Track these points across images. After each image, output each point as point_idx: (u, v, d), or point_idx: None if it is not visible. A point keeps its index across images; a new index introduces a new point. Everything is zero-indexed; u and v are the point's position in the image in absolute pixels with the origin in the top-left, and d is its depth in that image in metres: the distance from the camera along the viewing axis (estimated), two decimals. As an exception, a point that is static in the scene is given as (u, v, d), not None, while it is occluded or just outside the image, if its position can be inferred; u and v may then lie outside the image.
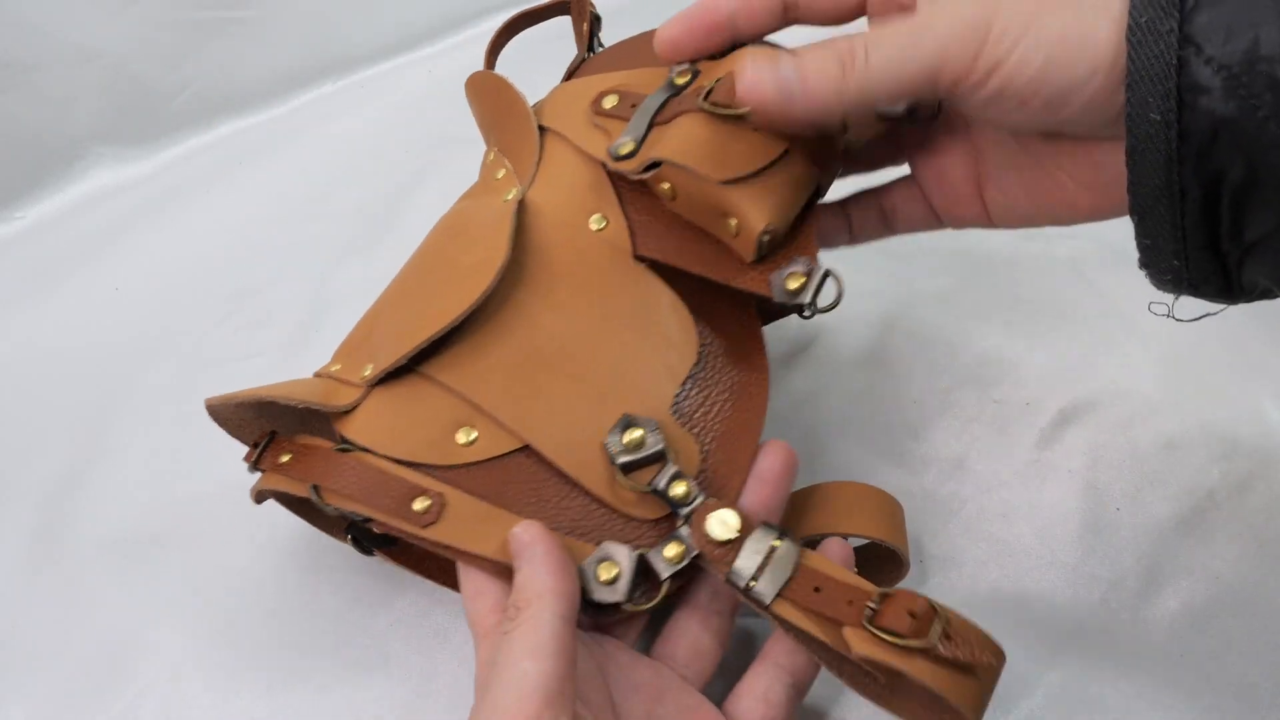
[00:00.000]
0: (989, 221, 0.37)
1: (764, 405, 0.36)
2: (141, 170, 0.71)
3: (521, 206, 0.37)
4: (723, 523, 0.31)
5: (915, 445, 0.48)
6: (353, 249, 0.64)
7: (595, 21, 0.45)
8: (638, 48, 0.42)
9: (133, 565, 0.45)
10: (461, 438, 0.34)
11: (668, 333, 0.36)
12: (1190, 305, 0.32)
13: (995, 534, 0.45)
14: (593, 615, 0.34)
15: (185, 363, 0.56)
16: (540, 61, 0.50)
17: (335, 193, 0.69)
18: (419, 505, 0.32)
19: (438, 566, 0.41)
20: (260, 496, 0.37)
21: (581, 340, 0.35)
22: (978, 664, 0.29)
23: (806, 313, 0.34)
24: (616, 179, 0.38)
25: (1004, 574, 0.43)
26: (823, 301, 0.34)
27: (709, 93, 0.34)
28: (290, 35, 0.77)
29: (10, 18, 0.64)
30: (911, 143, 0.39)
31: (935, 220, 0.39)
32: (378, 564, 0.44)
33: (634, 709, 0.32)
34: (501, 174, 0.40)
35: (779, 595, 0.31)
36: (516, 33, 0.48)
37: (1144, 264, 0.30)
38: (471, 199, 0.42)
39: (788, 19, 0.36)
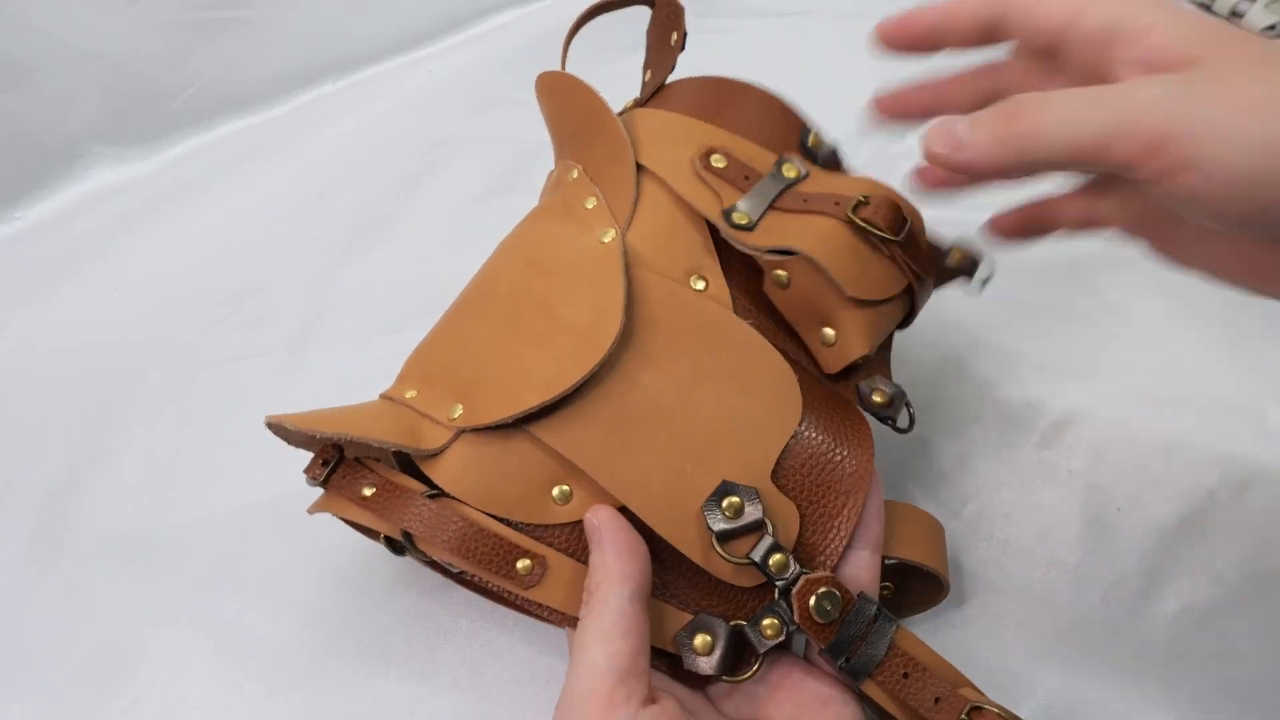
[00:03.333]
0: (1186, 270, 0.35)
1: (869, 464, 0.34)
2: (141, 170, 0.71)
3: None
4: (828, 603, 0.31)
5: (915, 446, 0.48)
6: (353, 249, 0.64)
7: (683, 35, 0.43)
8: (730, 99, 0.41)
9: (133, 565, 0.45)
10: (556, 495, 0.33)
11: (770, 392, 0.35)
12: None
13: (996, 534, 0.45)
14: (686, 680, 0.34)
15: (185, 362, 0.56)
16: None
17: (335, 193, 0.69)
18: (522, 566, 0.32)
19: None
20: (346, 520, 0.36)
21: (680, 399, 0.34)
22: None
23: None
24: (720, 239, 0.37)
25: (1005, 574, 0.43)
26: (900, 424, 0.37)
27: (857, 206, 0.36)
28: (290, 35, 0.77)
29: (10, 18, 0.64)
30: (1104, 186, 0.37)
31: (1137, 241, 0.36)
32: (378, 566, 0.44)
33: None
34: (592, 204, 0.38)
35: (870, 676, 0.31)
36: (595, 17, 0.46)
37: None
38: (554, 224, 0.39)
39: (992, 39, 0.34)
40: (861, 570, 0.33)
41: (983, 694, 0.31)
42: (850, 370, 0.37)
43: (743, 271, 0.38)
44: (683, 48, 0.43)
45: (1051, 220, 0.38)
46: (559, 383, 0.33)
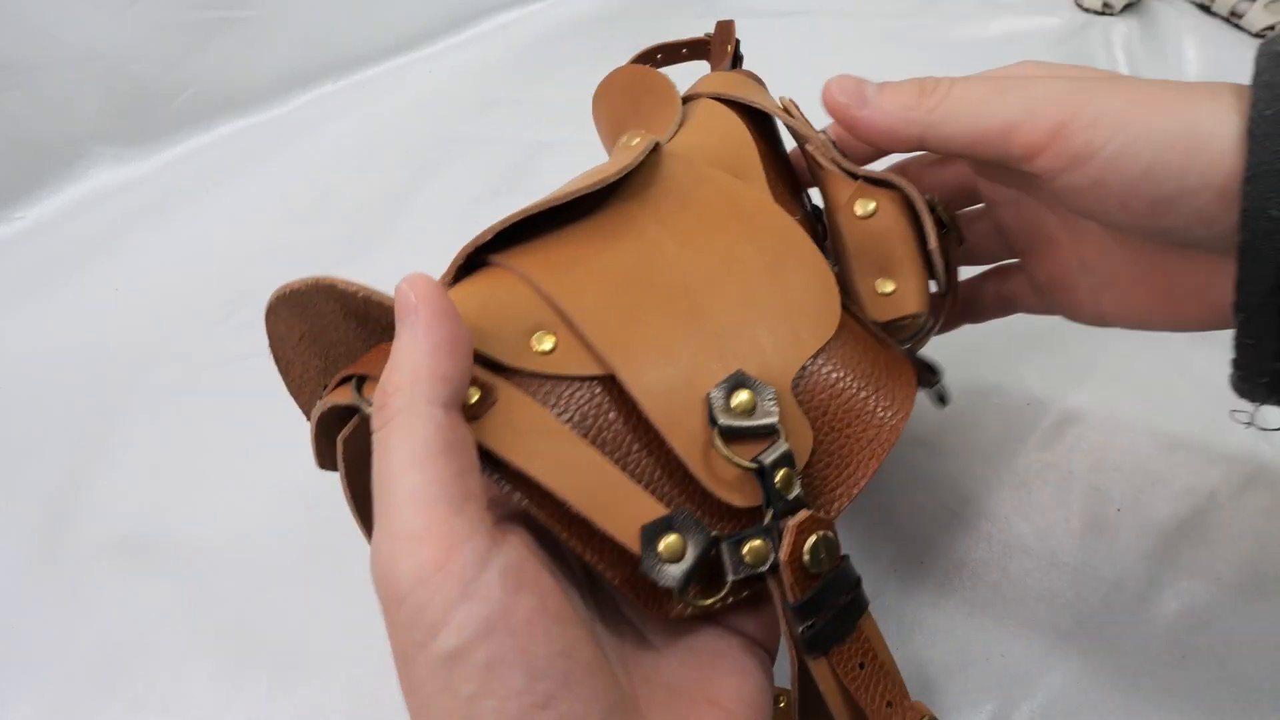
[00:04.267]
0: (1102, 323, 0.37)
1: (904, 417, 0.30)
2: (141, 170, 0.71)
3: (657, 147, 0.33)
4: (823, 550, 0.26)
5: (916, 448, 0.48)
6: (353, 249, 0.64)
7: (737, 61, 0.42)
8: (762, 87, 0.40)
9: (133, 565, 0.45)
10: (536, 345, 0.28)
11: (807, 295, 0.31)
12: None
13: (996, 535, 0.45)
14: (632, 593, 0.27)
15: (185, 363, 0.56)
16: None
17: (335, 193, 0.69)
18: (473, 394, 0.26)
19: None
20: (324, 429, 0.29)
21: (703, 279, 0.30)
22: None
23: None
24: (767, 158, 0.35)
25: (1005, 575, 0.43)
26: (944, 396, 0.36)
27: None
28: (290, 35, 0.77)
29: (10, 18, 0.64)
30: (1022, 246, 0.38)
31: (1051, 310, 0.39)
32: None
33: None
34: (636, 141, 0.34)
35: (825, 654, 0.26)
36: (649, 64, 0.44)
37: (1238, 364, 0.29)
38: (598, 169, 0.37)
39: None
40: None
41: (935, 715, 0.29)
42: (889, 326, 0.34)
43: (793, 198, 0.35)
44: (738, 56, 0.42)
45: (973, 308, 0.41)
46: (552, 200, 0.29)
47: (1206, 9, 0.83)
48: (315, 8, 0.78)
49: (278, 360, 0.31)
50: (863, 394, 0.30)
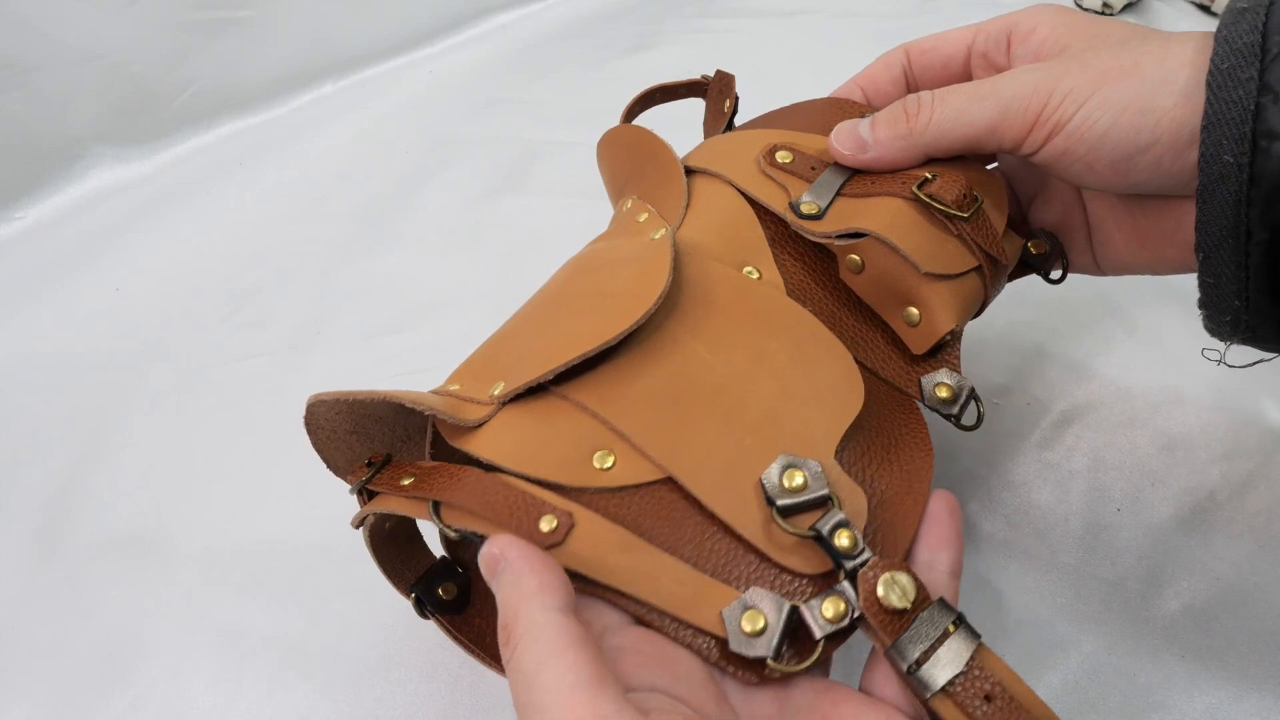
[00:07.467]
0: (1097, 270, 0.40)
1: (930, 459, 0.33)
2: (141, 170, 0.71)
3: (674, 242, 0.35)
4: (898, 588, 0.28)
5: (916, 445, 0.49)
6: (353, 249, 0.64)
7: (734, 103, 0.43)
8: (797, 107, 0.42)
9: (133, 565, 0.45)
10: (598, 462, 0.31)
11: (831, 375, 0.34)
12: (1242, 353, 0.33)
13: (996, 535, 0.45)
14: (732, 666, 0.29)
15: (185, 363, 0.56)
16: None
17: (335, 193, 0.69)
18: (545, 525, 0.29)
19: (495, 646, 0.39)
20: (372, 523, 0.34)
21: (737, 378, 0.32)
22: None
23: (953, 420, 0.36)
24: (772, 232, 0.37)
25: (1005, 575, 0.43)
26: (966, 420, 0.35)
27: (923, 183, 0.35)
28: (290, 35, 0.77)
29: (10, 18, 0.64)
30: (1027, 195, 0.41)
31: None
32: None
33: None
34: (644, 217, 0.38)
35: (943, 689, 0.27)
36: (652, 105, 0.46)
37: (1204, 304, 0.32)
38: (606, 240, 0.39)
39: (909, 90, 0.40)
40: (938, 589, 0.30)
41: None
42: (936, 350, 0.36)
43: (804, 266, 0.37)
44: (735, 111, 0.43)
45: None
46: (598, 336, 0.31)
47: (1206, 9, 0.83)
48: (315, 8, 0.78)
49: (317, 443, 0.34)
50: (894, 446, 0.33)
